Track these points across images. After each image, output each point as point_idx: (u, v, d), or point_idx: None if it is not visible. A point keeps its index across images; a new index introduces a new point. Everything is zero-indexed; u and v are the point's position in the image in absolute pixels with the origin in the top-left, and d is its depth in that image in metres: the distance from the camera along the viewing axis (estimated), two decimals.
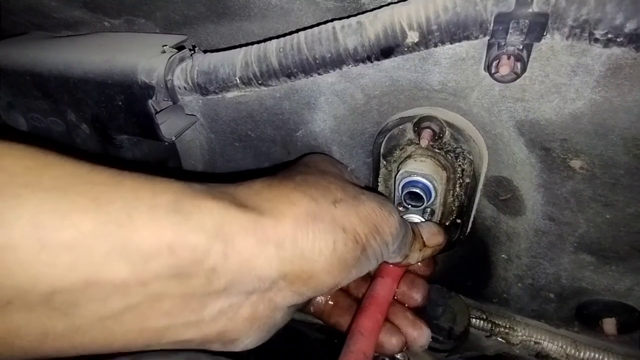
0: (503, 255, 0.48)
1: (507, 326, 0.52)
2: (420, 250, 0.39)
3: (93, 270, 0.22)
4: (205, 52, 0.41)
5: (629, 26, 0.26)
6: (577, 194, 0.38)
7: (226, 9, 0.41)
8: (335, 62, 0.34)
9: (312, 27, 0.35)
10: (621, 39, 0.27)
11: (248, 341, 0.30)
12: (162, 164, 0.57)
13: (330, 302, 0.41)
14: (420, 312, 0.43)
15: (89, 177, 0.24)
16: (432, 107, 0.43)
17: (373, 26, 0.32)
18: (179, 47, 0.41)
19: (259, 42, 0.38)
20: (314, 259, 0.28)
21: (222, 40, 0.45)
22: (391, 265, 0.40)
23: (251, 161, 0.53)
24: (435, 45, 0.33)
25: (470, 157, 0.44)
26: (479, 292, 0.53)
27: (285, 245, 0.27)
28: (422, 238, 0.39)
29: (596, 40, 0.28)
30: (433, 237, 0.40)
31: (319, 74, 0.36)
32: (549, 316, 0.49)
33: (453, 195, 0.48)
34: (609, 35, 0.27)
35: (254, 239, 0.27)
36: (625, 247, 0.39)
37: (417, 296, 0.42)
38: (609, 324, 0.43)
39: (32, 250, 0.21)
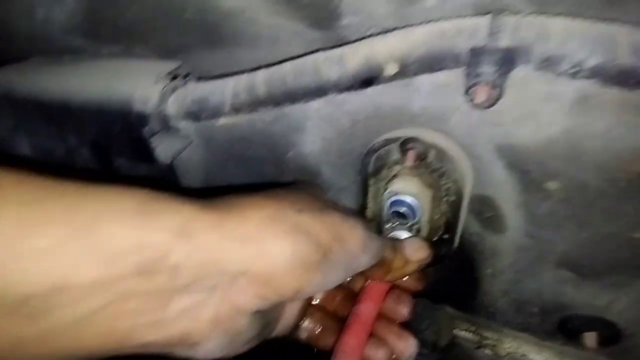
0: (489, 270, 0.49)
1: (495, 338, 0.54)
2: (403, 266, 0.40)
3: (64, 274, 0.24)
4: (199, 79, 0.43)
5: (591, 62, 0.28)
6: (554, 214, 0.39)
7: (217, 37, 0.43)
8: (319, 91, 0.36)
9: (298, 57, 0.37)
10: (585, 73, 0.28)
11: (210, 345, 0.30)
12: (161, 181, 0.59)
13: (319, 327, 0.42)
14: (406, 326, 0.44)
15: (60, 190, 0.25)
16: (416, 129, 0.44)
17: (354, 58, 0.34)
18: (174, 76, 0.43)
19: (249, 70, 0.40)
20: (274, 257, 0.29)
21: (216, 66, 0.47)
22: (375, 283, 0.42)
23: (246, 180, 0.55)
24: (414, 75, 0.34)
25: (455, 176, 0.45)
26: (468, 305, 0.55)
27: (247, 243, 0.29)
28: (404, 254, 0.40)
29: (562, 73, 0.29)
30: (416, 253, 0.41)
31: (305, 102, 0.38)
32: (534, 329, 0.50)
33: (440, 212, 0.49)
34: (574, 70, 0.29)
35: (217, 235, 0.28)
36: (602, 264, 0.40)
37: (403, 311, 0.43)
38: (590, 338, 0.44)
39: (4, 260, 0.22)
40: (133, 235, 0.25)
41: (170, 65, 0.47)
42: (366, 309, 0.41)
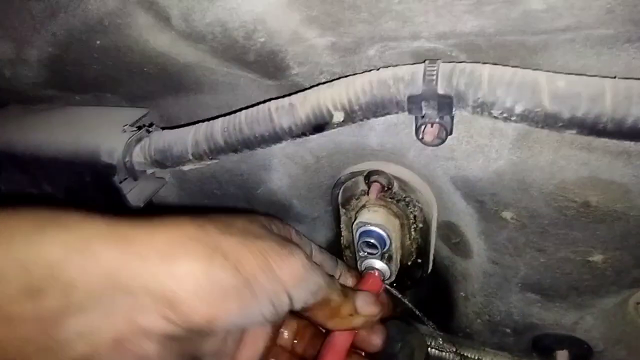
0: (462, 293, 0.50)
1: (475, 357, 0.54)
2: (350, 315, 0.37)
3: None
4: (163, 128, 0.44)
5: (518, 108, 0.29)
6: (513, 241, 0.40)
7: (180, 84, 0.45)
8: (274, 139, 0.37)
9: (252, 105, 0.38)
10: (514, 117, 0.29)
11: None
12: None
13: None
14: (379, 350, 0.45)
15: None
16: (378, 162, 0.46)
17: (303, 107, 0.35)
18: (139, 126, 0.44)
19: (208, 119, 0.41)
20: (182, 278, 0.26)
21: (182, 110, 0.49)
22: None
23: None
24: (362, 120, 0.36)
25: (420, 204, 0.46)
26: (446, 326, 0.56)
27: (153, 260, 0.26)
28: (354, 304, 0.37)
29: (495, 117, 0.31)
30: (367, 306, 0.38)
31: (262, 148, 0.39)
32: (509, 349, 0.51)
33: (410, 238, 0.50)
34: (504, 115, 0.30)
35: (118, 251, 0.25)
36: (563, 286, 0.41)
37: (376, 341, 0.43)
38: (562, 356, 0.45)
39: None
40: (21, 255, 0.24)
41: (138, 112, 0.49)
42: (340, 339, 0.41)
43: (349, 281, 0.44)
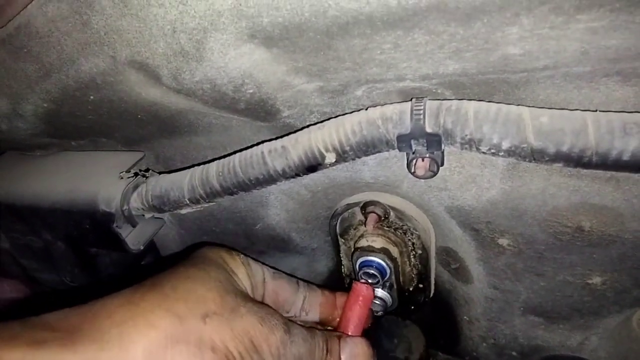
0: (465, 317, 0.50)
1: None
2: None
3: None
4: (160, 173, 0.45)
5: (505, 144, 0.29)
6: (511, 267, 0.40)
7: (174, 127, 0.45)
8: (268, 181, 0.38)
9: (245, 147, 0.39)
10: (502, 153, 0.30)
11: None
12: (141, 259, 0.60)
13: None
14: (376, 345, 0.44)
15: None
16: (373, 192, 0.46)
17: (295, 150, 0.36)
18: (135, 173, 0.45)
19: (203, 162, 0.42)
20: None
21: (177, 151, 0.49)
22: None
23: None
24: (353, 159, 0.36)
25: (417, 232, 0.46)
26: (453, 350, 0.55)
27: None
28: (339, 357, 0.35)
29: (484, 153, 0.31)
30: (353, 358, 0.36)
31: (257, 190, 0.39)
32: None
33: (410, 265, 0.50)
34: (492, 150, 0.30)
35: None
36: (565, 308, 0.41)
37: None
38: None
39: None
40: None
41: (134, 156, 0.49)
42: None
43: (317, 300, 0.42)
